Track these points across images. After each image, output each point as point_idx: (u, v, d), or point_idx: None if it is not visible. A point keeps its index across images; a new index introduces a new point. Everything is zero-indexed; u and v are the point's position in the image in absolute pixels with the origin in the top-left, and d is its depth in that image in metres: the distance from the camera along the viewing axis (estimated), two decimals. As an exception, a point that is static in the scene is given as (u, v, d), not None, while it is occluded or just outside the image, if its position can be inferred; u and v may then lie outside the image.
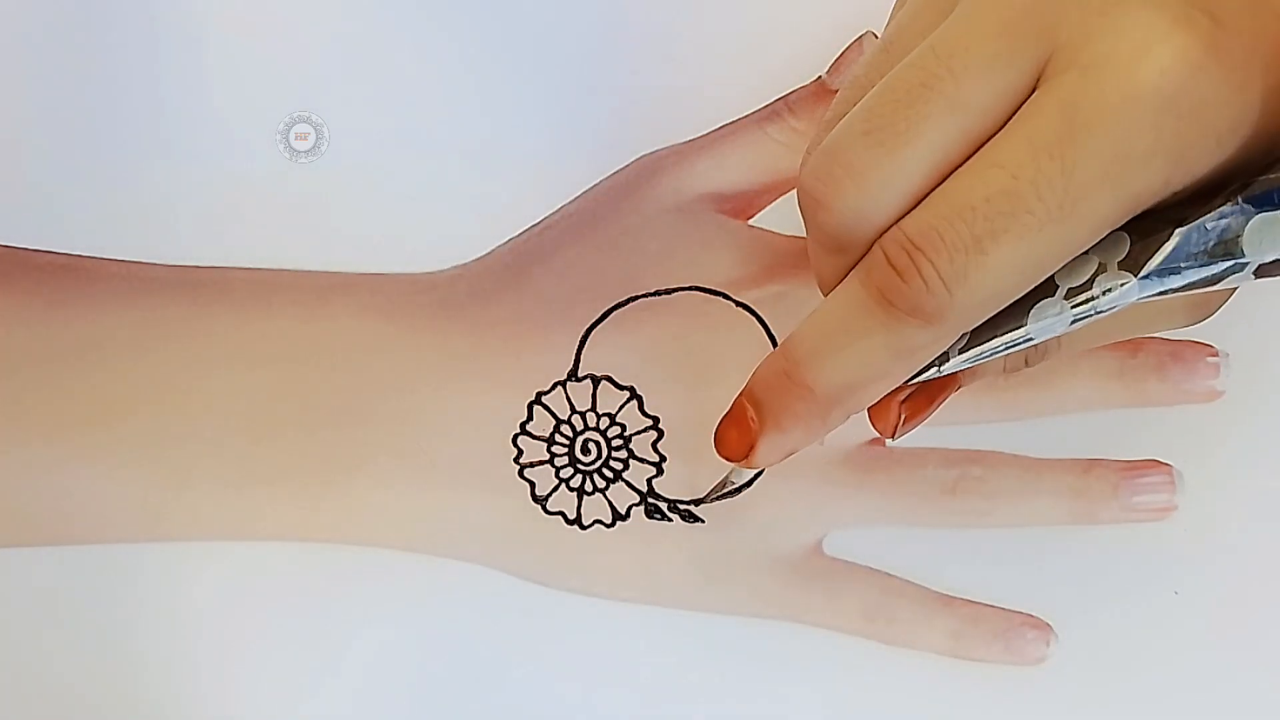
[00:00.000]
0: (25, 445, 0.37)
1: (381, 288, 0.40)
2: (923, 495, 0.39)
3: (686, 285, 0.39)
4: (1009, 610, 0.39)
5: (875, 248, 0.28)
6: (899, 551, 0.39)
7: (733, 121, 0.40)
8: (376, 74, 0.41)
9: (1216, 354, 0.39)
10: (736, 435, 0.32)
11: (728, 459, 0.32)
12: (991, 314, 0.28)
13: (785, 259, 0.39)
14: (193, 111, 0.41)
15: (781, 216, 0.40)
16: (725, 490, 0.35)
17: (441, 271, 0.40)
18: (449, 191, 0.41)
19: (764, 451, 0.31)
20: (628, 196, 0.40)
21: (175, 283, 0.39)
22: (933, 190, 0.27)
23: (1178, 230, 0.28)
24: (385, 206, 0.41)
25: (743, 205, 0.40)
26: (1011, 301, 0.28)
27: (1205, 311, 0.31)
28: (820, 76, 0.39)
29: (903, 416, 0.31)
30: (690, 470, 0.38)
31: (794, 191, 0.40)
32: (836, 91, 0.39)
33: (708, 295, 0.38)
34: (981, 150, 0.27)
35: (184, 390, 0.38)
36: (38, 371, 0.37)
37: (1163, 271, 0.28)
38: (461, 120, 0.41)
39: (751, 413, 0.31)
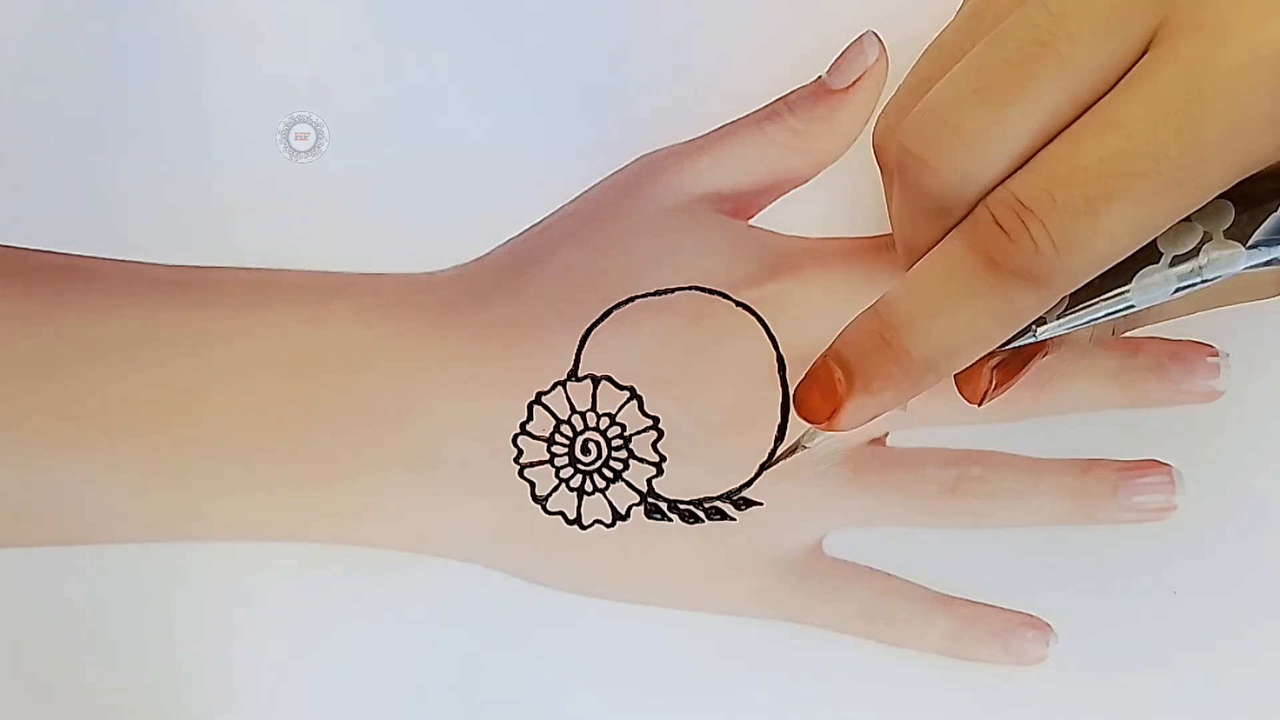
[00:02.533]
0: (25, 445, 0.37)
1: (381, 288, 0.39)
2: (923, 495, 0.39)
3: (686, 285, 0.39)
4: (1008, 610, 0.39)
5: (980, 209, 0.27)
6: (899, 551, 0.39)
7: (733, 121, 0.40)
8: (376, 74, 0.41)
9: (1216, 354, 0.39)
10: (820, 397, 0.31)
11: (808, 420, 0.32)
12: (1095, 277, 0.28)
13: (785, 259, 0.39)
14: (193, 111, 0.41)
15: (781, 216, 0.40)
16: (795, 453, 0.35)
17: (441, 271, 0.40)
18: (449, 191, 0.41)
19: (849, 414, 0.31)
20: (628, 196, 0.40)
21: (175, 283, 0.39)
22: (1038, 151, 0.27)
23: None
24: (385, 206, 0.41)
25: (743, 205, 0.40)
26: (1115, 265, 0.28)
27: None
28: (820, 76, 0.39)
29: (993, 383, 0.31)
30: (690, 470, 0.38)
31: (793, 191, 0.40)
32: (837, 92, 0.39)
33: (708, 295, 0.38)
34: (1095, 109, 0.27)
35: (183, 390, 0.38)
36: (37, 371, 0.37)
37: (1271, 241, 0.28)
38: (461, 120, 0.41)
39: (839, 374, 0.31)
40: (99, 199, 0.41)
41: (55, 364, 0.37)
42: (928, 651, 0.39)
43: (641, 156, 0.40)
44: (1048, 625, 0.39)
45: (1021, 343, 0.30)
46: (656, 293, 0.39)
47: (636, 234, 0.39)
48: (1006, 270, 0.27)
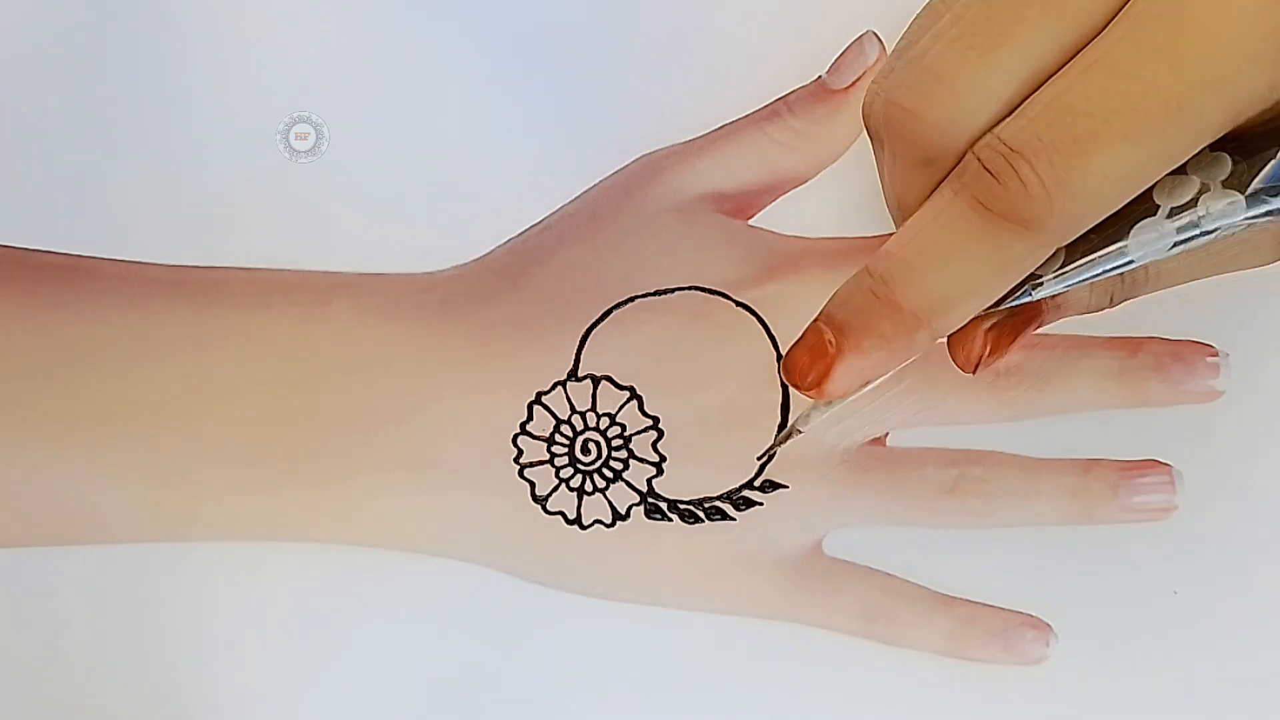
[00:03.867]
0: (25, 445, 0.37)
1: (381, 288, 0.39)
2: (923, 496, 0.39)
3: (686, 285, 0.39)
4: (1008, 610, 0.39)
5: (968, 156, 0.27)
6: (899, 551, 0.39)
7: (733, 121, 0.40)
8: (376, 74, 0.41)
9: (1216, 354, 0.39)
10: (809, 359, 0.30)
11: (796, 386, 0.30)
12: (1091, 225, 0.27)
13: (785, 259, 0.39)
14: (193, 111, 0.41)
15: (781, 216, 0.40)
16: (790, 438, 0.34)
17: (441, 271, 0.40)
18: (449, 191, 0.41)
19: (839, 377, 0.29)
20: (628, 196, 0.40)
21: (175, 283, 0.39)
22: (1027, 99, 0.27)
23: None
24: (385, 206, 0.41)
25: (743, 205, 0.40)
26: (1110, 216, 0.27)
27: None
28: (820, 76, 0.39)
29: (987, 347, 0.30)
30: (690, 470, 0.38)
31: (794, 191, 0.40)
32: (837, 92, 0.39)
33: (708, 295, 0.38)
34: (1082, 53, 0.26)
35: (184, 390, 0.38)
36: (37, 371, 0.37)
37: (1271, 190, 0.27)
38: (461, 120, 0.41)
39: (829, 335, 0.29)
40: (100, 199, 0.41)
41: (56, 364, 0.37)
42: (928, 651, 0.39)
43: (641, 156, 0.40)
44: (1048, 625, 0.39)
45: (1017, 301, 0.29)
46: (656, 293, 0.38)
47: (636, 234, 0.39)
48: (997, 214, 0.27)
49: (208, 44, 0.41)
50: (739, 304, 0.38)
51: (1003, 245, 0.27)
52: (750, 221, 0.40)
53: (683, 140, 0.40)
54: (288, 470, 0.38)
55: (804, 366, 0.30)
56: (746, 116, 0.40)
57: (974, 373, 0.30)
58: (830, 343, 0.29)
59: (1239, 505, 0.39)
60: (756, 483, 0.38)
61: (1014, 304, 0.29)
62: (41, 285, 0.38)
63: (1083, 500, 0.39)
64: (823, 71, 0.39)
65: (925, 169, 0.28)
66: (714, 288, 0.38)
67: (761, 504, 0.38)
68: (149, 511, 0.38)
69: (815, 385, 0.30)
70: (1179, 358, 0.39)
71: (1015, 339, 0.31)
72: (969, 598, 0.39)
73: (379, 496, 0.38)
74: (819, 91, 0.39)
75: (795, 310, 0.38)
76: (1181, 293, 0.33)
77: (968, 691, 0.39)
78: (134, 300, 0.38)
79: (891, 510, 0.39)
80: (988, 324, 0.30)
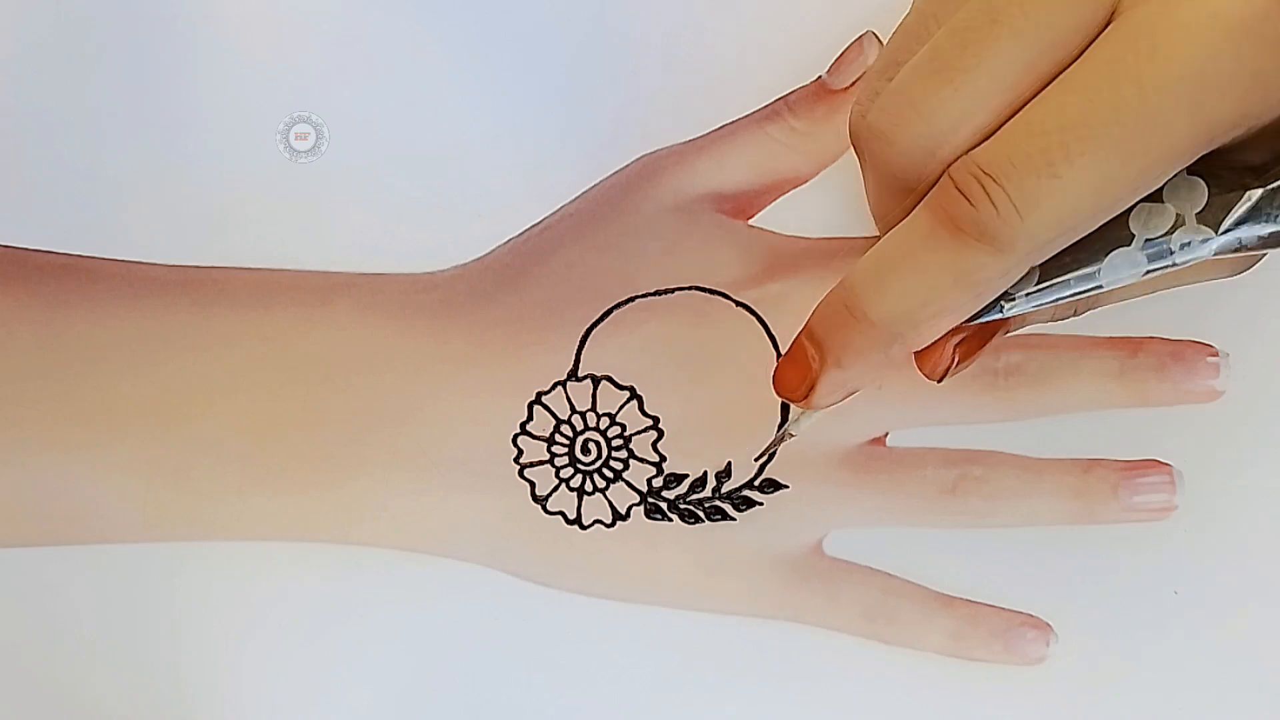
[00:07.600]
0: (25, 445, 0.37)
1: (382, 288, 0.40)
2: (923, 495, 0.39)
3: (686, 285, 0.39)
4: (1009, 610, 0.39)
5: (944, 178, 0.28)
6: (899, 551, 0.39)
7: (733, 121, 0.40)
8: (376, 74, 0.41)
9: (1216, 354, 0.39)
10: (795, 375, 0.31)
11: (787, 399, 0.32)
12: (1062, 245, 0.28)
13: (785, 259, 0.39)
14: (193, 111, 0.41)
15: (781, 216, 0.40)
16: (784, 441, 0.35)
17: (441, 271, 0.40)
18: (449, 191, 0.41)
19: (824, 390, 0.31)
20: (628, 196, 0.40)
21: (176, 283, 0.39)
22: (1003, 125, 0.27)
23: (1259, 190, 0.28)
24: (385, 206, 0.41)
25: (743, 205, 0.40)
26: (1081, 238, 0.28)
27: (1250, 263, 0.31)
28: (820, 76, 0.39)
29: (955, 359, 0.31)
30: (690, 470, 0.38)
31: (793, 191, 0.40)
32: (837, 92, 0.39)
33: (708, 295, 0.38)
34: (1057, 79, 0.27)
35: (184, 390, 0.38)
36: (38, 371, 0.37)
37: (1239, 228, 0.28)
38: (461, 120, 0.41)
39: (811, 351, 0.31)
40: (100, 199, 0.41)
41: (57, 364, 0.37)
42: (928, 651, 0.39)
43: (641, 156, 0.40)
44: (1048, 625, 0.39)
45: (989, 318, 0.30)
46: (656, 293, 0.39)
47: (637, 234, 0.39)
48: (968, 234, 0.27)
49: (208, 44, 0.41)
50: (739, 304, 0.38)
51: (975, 265, 0.28)
52: (750, 221, 0.40)
53: (683, 140, 0.40)
54: (288, 471, 0.38)
55: (791, 381, 0.31)
56: (746, 116, 0.40)
57: (939, 381, 0.31)
58: (813, 358, 0.31)
59: (1239, 505, 0.39)
60: (756, 483, 0.38)
61: (985, 320, 0.30)
62: (41, 285, 0.38)
63: (1083, 500, 0.39)
64: (823, 71, 0.39)
65: (903, 193, 0.29)
66: (714, 288, 0.38)
67: (761, 504, 0.38)
68: (150, 512, 0.38)
69: (802, 399, 0.31)
70: (1179, 358, 0.39)
71: (982, 348, 0.31)
72: (969, 598, 0.39)
73: (380, 497, 0.38)
74: (819, 91, 0.39)
75: (795, 310, 0.38)
76: (1182, 293, 0.33)
77: (968, 691, 0.39)
78: (134, 300, 0.38)
79: (891, 510, 0.39)
80: (957, 339, 0.31)
